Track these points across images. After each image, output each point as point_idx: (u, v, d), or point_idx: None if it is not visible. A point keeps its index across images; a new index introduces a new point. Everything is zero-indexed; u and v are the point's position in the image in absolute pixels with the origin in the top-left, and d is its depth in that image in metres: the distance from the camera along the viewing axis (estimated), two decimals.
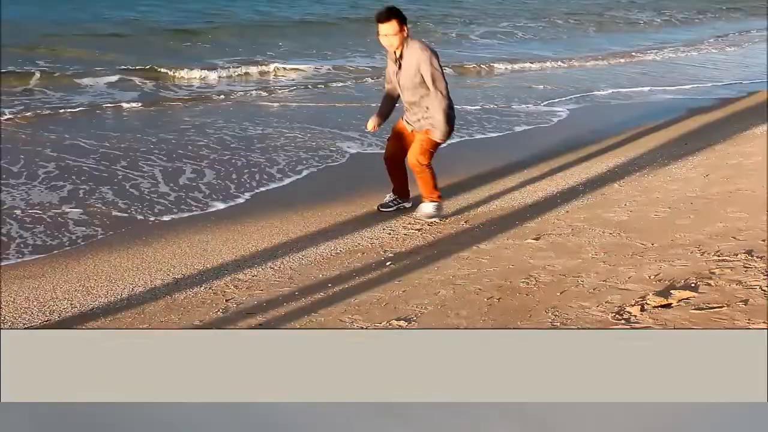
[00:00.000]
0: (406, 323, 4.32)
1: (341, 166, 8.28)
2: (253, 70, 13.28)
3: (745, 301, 3.93)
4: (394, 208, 6.87)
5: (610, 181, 7.40)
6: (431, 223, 6.51)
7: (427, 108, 6.30)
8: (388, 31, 6.16)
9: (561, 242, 5.58)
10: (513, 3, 25.97)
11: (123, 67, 12.82)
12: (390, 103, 6.75)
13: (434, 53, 6.21)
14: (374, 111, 6.83)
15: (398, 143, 6.73)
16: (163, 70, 12.74)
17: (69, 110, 10.08)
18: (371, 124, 6.70)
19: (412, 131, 6.57)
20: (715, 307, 3.91)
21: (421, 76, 6.18)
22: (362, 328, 4.37)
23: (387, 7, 6.24)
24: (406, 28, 6.21)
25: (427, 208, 6.59)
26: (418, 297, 4.71)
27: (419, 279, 5.08)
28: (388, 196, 6.92)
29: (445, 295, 4.69)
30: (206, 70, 13.05)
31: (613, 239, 5.53)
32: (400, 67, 6.29)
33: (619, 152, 8.55)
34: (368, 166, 8.16)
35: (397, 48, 6.23)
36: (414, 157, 6.45)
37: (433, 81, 6.16)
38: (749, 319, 3.72)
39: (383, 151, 7.04)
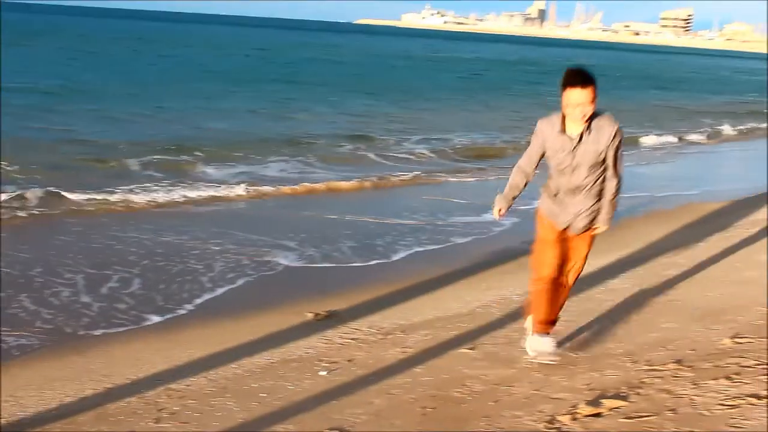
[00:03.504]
0: None
1: (276, 275, 8.40)
2: (174, 179, 13.08)
3: (674, 410, 4.19)
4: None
5: None
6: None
7: (599, 196, 5.26)
8: (583, 99, 4.92)
9: (495, 352, 5.80)
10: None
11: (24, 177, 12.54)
12: (522, 187, 5.42)
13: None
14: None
15: (562, 252, 5.43)
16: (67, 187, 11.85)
17: None
18: (499, 209, 5.41)
19: (564, 230, 5.37)
20: (644, 416, 4.16)
21: (606, 153, 5.09)
22: None
23: (582, 69, 5.03)
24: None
25: (547, 344, 5.44)
26: (352, 406, 4.86)
27: (353, 388, 5.23)
28: (551, 341, 5.44)
29: (379, 404, 4.85)
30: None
31: None
32: (580, 140, 5.07)
33: None
34: (303, 276, 8.36)
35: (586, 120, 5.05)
36: (579, 272, 5.59)
37: (618, 162, 5.15)
38: (677, 428, 3.96)
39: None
